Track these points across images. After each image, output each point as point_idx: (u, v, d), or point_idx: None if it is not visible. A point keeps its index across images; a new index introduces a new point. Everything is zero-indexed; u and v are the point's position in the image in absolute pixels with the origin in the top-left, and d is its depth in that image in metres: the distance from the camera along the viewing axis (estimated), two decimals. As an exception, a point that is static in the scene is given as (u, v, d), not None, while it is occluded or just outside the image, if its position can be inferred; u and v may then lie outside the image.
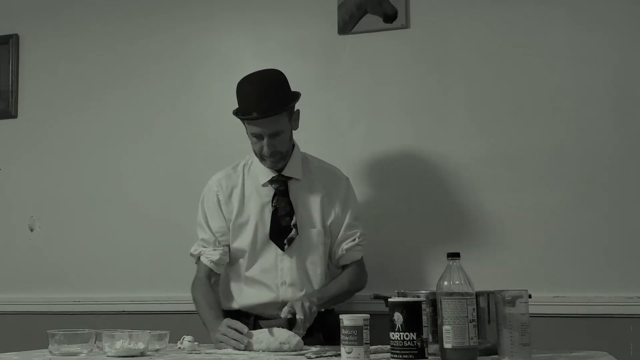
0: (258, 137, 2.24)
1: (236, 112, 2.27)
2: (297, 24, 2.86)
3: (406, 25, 2.72)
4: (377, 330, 1.77)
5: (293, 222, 2.29)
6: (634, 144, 2.47)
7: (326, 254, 2.34)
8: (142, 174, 3.01)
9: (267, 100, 2.19)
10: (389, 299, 1.69)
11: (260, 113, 2.18)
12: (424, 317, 1.67)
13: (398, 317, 1.63)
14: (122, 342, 1.87)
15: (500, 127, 2.60)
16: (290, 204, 2.31)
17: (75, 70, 3.16)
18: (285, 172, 2.33)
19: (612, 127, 2.49)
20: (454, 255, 1.69)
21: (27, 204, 3.16)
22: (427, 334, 1.69)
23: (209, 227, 2.35)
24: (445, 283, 1.67)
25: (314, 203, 2.34)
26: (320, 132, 2.73)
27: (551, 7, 2.58)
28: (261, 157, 2.29)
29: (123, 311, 2.92)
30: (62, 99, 3.17)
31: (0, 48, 3.24)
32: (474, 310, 1.65)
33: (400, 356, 1.62)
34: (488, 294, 1.78)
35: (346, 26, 2.78)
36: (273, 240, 2.29)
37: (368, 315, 1.68)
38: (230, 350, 1.98)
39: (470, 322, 1.63)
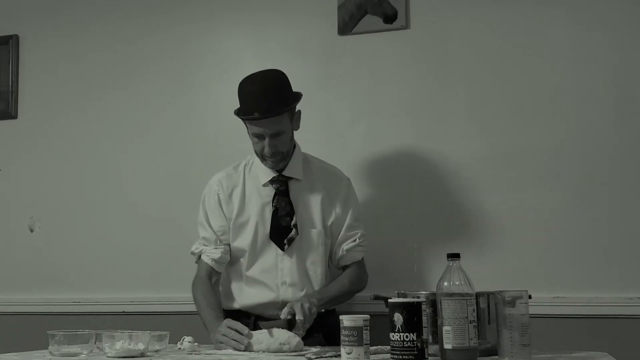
0: (259, 137, 2.24)
1: (237, 112, 2.27)
2: (297, 24, 2.86)
3: (406, 26, 2.72)
4: (377, 330, 1.78)
5: (293, 222, 2.29)
6: (634, 144, 2.47)
7: (326, 255, 2.34)
8: (142, 174, 3.01)
9: (268, 101, 2.19)
10: (389, 300, 1.69)
11: (261, 113, 2.18)
12: (424, 318, 1.67)
13: (398, 318, 1.63)
14: (122, 343, 1.87)
15: (500, 127, 2.60)
16: (290, 204, 2.31)
17: (75, 70, 3.16)
18: (286, 172, 2.33)
19: (612, 127, 2.49)
20: (454, 256, 1.70)
21: (27, 204, 3.16)
22: (427, 334, 1.70)
23: (210, 225, 2.35)
24: (445, 284, 1.67)
25: (315, 203, 2.34)
26: (320, 132, 2.73)
27: (551, 7, 2.58)
28: (262, 157, 2.29)
29: (123, 312, 2.92)
30: (62, 99, 3.17)
31: (0, 48, 3.24)
32: (474, 310, 1.65)
33: (400, 357, 1.62)
34: (488, 294, 1.78)
35: (346, 27, 2.78)
36: (273, 240, 2.29)
37: (368, 315, 1.68)
38: (230, 351, 1.98)
39: (470, 322, 1.63)
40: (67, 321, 2.85)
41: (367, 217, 2.49)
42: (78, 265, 3.04)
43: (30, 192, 3.16)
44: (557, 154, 2.53)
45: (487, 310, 1.78)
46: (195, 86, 2.98)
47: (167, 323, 2.59)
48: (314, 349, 1.97)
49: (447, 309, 1.64)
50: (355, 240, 2.35)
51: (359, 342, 1.65)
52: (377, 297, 2.00)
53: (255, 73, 2.27)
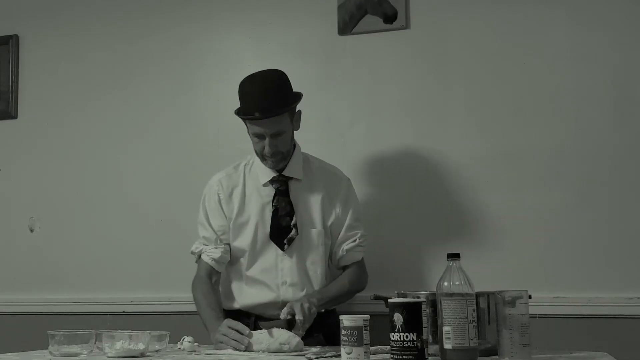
0: (260, 137, 2.24)
1: (238, 112, 2.27)
2: (297, 24, 2.86)
3: (406, 26, 2.72)
4: (377, 330, 1.78)
5: (293, 222, 2.29)
6: (634, 144, 2.46)
7: (326, 255, 2.34)
8: (142, 174, 3.01)
9: (269, 100, 2.19)
10: (389, 300, 1.69)
11: (262, 113, 2.19)
12: (424, 318, 1.67)
13: (398, 318, 1.63)
14: (122, 343, 1.87)
15: (500, 127, 2.60)
16: (290, 204, 2.31)
17: (75, 70, 3.16)
18: (286, 172, 2.33)
19: (612, 127, 2.49)
20: (454, 256, 1.70)
21: (27, 204, 3.16)
22: (427, 334, 1.70)
23: (210, 225, 2.35)
24: (445, 284, 1.67)
25: (315, 203, 2.34)
26: (320, 132, 2.73)
27: (551, 7, 2.58)
28: (262, 157, 2.29)
29: (123, 312, 2.92)
30: (62, 99, 3.17)
31: (0, 48, 3.24)
32: (474, 310, 1.65)
33: (400, 357, 1.62)
34: (488, 294, 1.78)
35: (346, 27, 2.78)
36: (273, 240, 2.29)
37: (368, 315, 1.68)
38: (230, 351, 1.98)
39: (470, 322, 1.63)
40: (67, 321, 2.85)
41: (367, 217, 2.49)
42: (78, 265, 3.04)
43: (30, 192, 3.16)
44: (557, 154, 2.53)
45: (487, 310, 1.78)
46: (195, 86, 2.98)
47: (167, 323, 2.59)
48: (314, 349, 1.97)
49: (447, 309, 1.64)
50: (355, 240, 2.35)
51: (359, 342, 1.65)
52: (377, 297, 2.00)
53: (256, 73, 2.27)
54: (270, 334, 1.96)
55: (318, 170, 2.39)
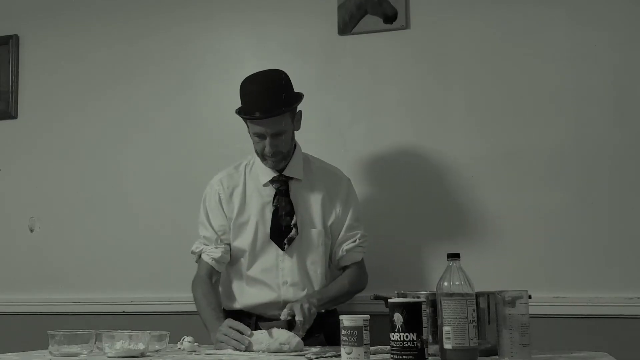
0: (260, 136, 2.25)
1: (239, 112, 2.27)
2: (297, 24, 2.86)
3: (406, 26, 2.72)
4: (377, 330, 1.78)
5: (293, 222, 2.29)
6: (634, 143, 2.47)
7: (326, 255, 2.34)
8: (142, 174, 3.01)
9: (270, 100, 2.20)
10: (389, 300, 1.69)
11: (263, 113, 2.19)
12: (424, 318, 1.67)
13: (398, 318, 1.63)
14: (122, 343, 1.87)
15: (500, 126, 2.60)
16: (290, 203, 2.31)
17: (75, 70, 3.16)
18: (287, 172, 2.33)
19: (612, 126, 2.49)
20: (454, 256, 1.69)
21: (27, 204, 3.16)
22: (427, 334, 1.70)
23: (210, 225, 2.35)
24: (445, 284, 1.67)
25: (315, 203, 2.34)
26: (320, 132, 2.73)
27: (551, 7, 2.58)
28: (263, 157, 2.29)
29: (123, 312, 2.92)
30: (62, 99, 3.17)
31: (0, 48, 3.24)
32: (474, 310, 1.65)
33: (400, 357, 1.62)
34: (488, 294, 1.78)
35: (346, 27, 2.78)
36: (273, 240, 2.29)
37: (368, 315, 1.68)
38: (230, 351, 1.98)
39: (470, 322, 1.63)
40: (67, 321, 2.86)
41: (367, 217, 2.49)
42: (78, 265, 3.04)
43: (30, 192, 3.16)
44: (557, 154, 2.53)
45: (487, 310, 1.78)
46: (195, 86, 2.98)
47: (167, 323, 2.59)
48: (314, 349, 1.97)
49: (447, 309, 1.64)
50: (355, 240, 2.35)
51: (359, 342, 1.65)
52: (377, 297, 2.00)
53: (257, 73, 2.28)
54: (270, 334, 1.96)
55: (318, 171, 2.39)
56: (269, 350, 1.94)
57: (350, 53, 2.78)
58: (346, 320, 1.67)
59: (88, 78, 3.13)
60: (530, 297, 1.70)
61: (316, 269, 2.31)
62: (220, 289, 2.39)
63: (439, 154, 2.65)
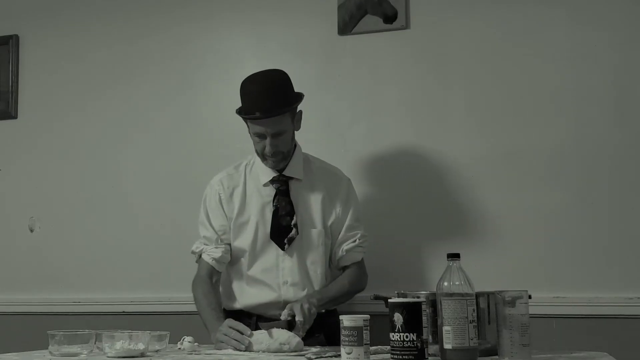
0: (261, 136, 2.25)
1: (239, 111, 2.27)
2: (297, 24, 2.86)
3: (406, 26, 2.72)
4: (377, 330, 1.78)
5: (293, 222, 2.29)
6: (634, 143, 2.47)
7: (327, 255, 2.34)
8: (142, 174, 3.01)
9: (270, 100, 2.20)
10: (389, 300, 1.69)
11: (263, 113, 2.19)
12: (424, 318, 1.67)
13: (398, 318, 1.63)
14: (122, 343, 1.87)
15: (501, 126, 2.60)
16: (291, 203, 2.31)
17: (75, 70, 3.16)
18: (287, 172, 2.33)
19: (612, 126, 2.49)
20: (454, 256, 1.69)
21: (27, 204, 3.16)
22: (427, 334, 1.70)
23: (211, 224, 2.35)
24: (445, 284, 1.67)
25: (315, 203, 2.34)
26: (320, 132, 2.73)
27: (551, 7, 2.58)
28: (263, 157, 2.29)
29: (123, 312, 2.92)
30: (62, 99, 3.17)
31: (0, 48, 3.24)
32: (474, 310, 1.65)
33: (400, 357, 1.62)
34: (488, 294, 1.78)
35: (346, 27, 2.78)
36: (273, 240, 2.29)
37: (368, 315, 1.68)
38: (230, 351, 1.98)
39: (470, 322, 1.63)
40: (67, 321, 2.86)
41: (367, 217, 2.49)
42: (78, 265, 3.04)
43: (30, 192, 3.16)
44: (557, 154, 2.53)
45: (487, 310, 1.78)
46: (195, 86, 2.98)
47: (167, 323, 2.59)
48: (314, 349, 1.97)
49: (447, 309, 1.64)
50: (355, 240, 2.35)
51: (359, 342, 1.65)
52: (377, 297, 2.00)
53: (258, 73, 2.28)
54: (270, 334, 1.96)
55: (318, 171, 2.39)
56: (269, 350, 1.94)
57: (350, 53, 2.78)
58: (346, 320, 1.67)
59: (88, 78, 3.13)
60: (530, 297, 1.70)
61: (316, 269, 2.31)
62: (220, 289, 2.39)
63: (439, 154, 2.65)
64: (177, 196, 2.92)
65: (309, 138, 2.49)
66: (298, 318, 2.02)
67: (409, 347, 1.62)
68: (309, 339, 2.07)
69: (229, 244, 2.35)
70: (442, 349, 1.65)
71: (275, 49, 2.86)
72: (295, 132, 2.34)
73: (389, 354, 1.68)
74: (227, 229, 2.34)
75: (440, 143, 2.65)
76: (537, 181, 2.54)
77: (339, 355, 1.71)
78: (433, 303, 1.74)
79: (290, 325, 2.05)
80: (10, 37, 3.24)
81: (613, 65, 2.50)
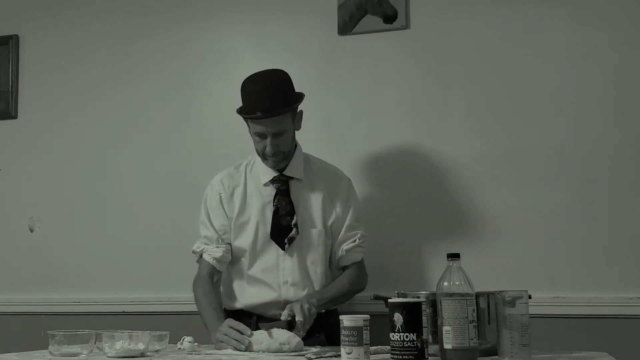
0: (261, 136, 2.25)
1: (240, 111, 2.28)
2: (297, 24, 2.86)
3: (406, 26, 2.72)
4: (377, 330, 1.78)
5: (294, 221, 2.29)
6: (634, 143, 2.47)
7: (327, 254, 2.34)
8: (142, 174, 3.01)
9: (271, 100, 2.20)
10: (389, 300, 1.69)
11: (264, 113, 2.19)
12: (424, 318, 1.67)
13: (398, 318, 1.63)
14: (122, 343, 1.87)
15: (501, 126, 2.60)
16: (291, 203, 2.31)
17: (75, 70, 3.16)
18: (287, 172, 2.33)
19: (612, 126, 2.49)
20: (454, 256, 1.69)
21: (27, 204, 3.16)
22: (427, 334, 1.70)
23: (211, 224, 2.35)
24: (445, 284, 1.67)
25: (315, 203, 2.34)
26: (320, 132, 2.73)
27: (551, 7, 2.58)
28: (264, 157, 2.29)
29: (123, 312, 2.92)
30: (62, 99, 3.17)
31: (0, 48, 3.24)
32: (474, 310, 1.65)
33: (400, 357, 1.62)
34: (488, 294, 1.78)
35: (346, 27, 2.78)
36: (274, 240, 2.30)
37: (368, 315, 1.68)
38: (230, 351, 1.98)
39: (470, 322, 1.63)
40: (67, 321, 2.86)
41: (368, 217, 2.49)
42: (78, 265, 3.04)
43: (30, 192, 3.16)
44: (557, 154, 2.53)
45: (487, 310, 1.78)
46: (195, 86, 2.98)
47: (167, 323, 2.59)
48: (314, 349, 1.97)
49: (447, 309, 1.64)
50: (355, 240, 2.35)
51: (359, 342, 1.65)
52: (377, 297, 2.00)
53: (258, 72, 2.28)
54: (270, 334, 1.96)
55: (319, 170, 2.39)
56: (269, 350, 1.94)
57: (350, 53, 2.78)
58: (346, 320, 1.67)
59: (88, 78, 3.13)
60: (530, 297, 1.70)
61: (316, 269, 2.31)
62: (221, 288, 2.39)
63: (439, 154, 2.65)
64: (177, 196, 2.92)
65: (309, 138, 2.49)
66: (298, 318, 2.02)
67: (409, 347, 1.62)
68: (309, 339, 2.08)
69: (230, 244, 2.35)
70: (442, 349, 1.65)
71: (275, 49, 2.86)
72: (295, 132, 2.34)
73: (389, 354, 1.68)
74: (228, 229, 2.34)
75: (440, 143, 2.65)
76: (537, 181, 2.54)
77: (339, 355, 1.71)
78: (433, 303, 1.74)
79: (290, 325, 2.05)
80: (10, 37, 3.24)
81: (613, 65, 2.50)
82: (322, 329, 2.21)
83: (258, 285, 2.31)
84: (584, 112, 2.52)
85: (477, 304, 1.70)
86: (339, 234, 2.35)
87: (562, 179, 2.52)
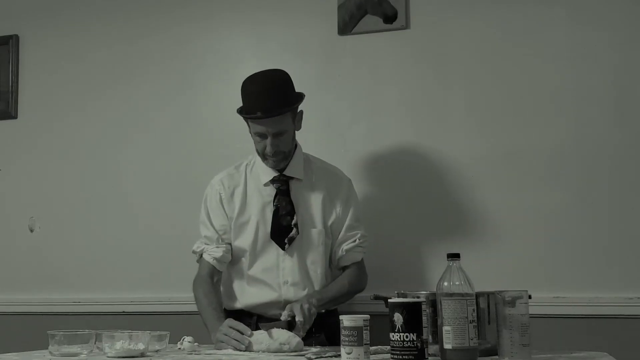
0: (261, 136, 2.25)
1: (240, 111, 2.28)
2: (297, 24, 2.86)
3: (406, 26, 2.72)
4: (377, 330, 1.78)
5: (294, 221, 2.29)
6: (634, 143, 2.47)
7: (327, 254, 2.35)
8: (142, 174, 3.01)
9: (271, 100, 2.20)
10: (389, 300, 1.69)
11: (264, 112, 2.19)
12: (424, 318, 1.67)
13: (398, 318, 1.63)
14: (122, 343, 1.87)
15: (501, 126, 2.60)
16: (291, 203, 2.31)
17: (75, 70, 3.16)
18: (287, 172, 2.33)
19: (612, 126, 2.49)
20: (454, 256, 1.69)
21: (27, 204, 3.16)
22: (427, 334, 1.70)
23: (211, 224, 2.35)
24: (445, 284, 1.67)
25: (315, 203, 2.34)
26: (320, 132, 2.73)
27: (551, 7, 2.58)
28: (264, 157, 2.29)
29: (123, 312, 2.92)
30: (62, 99, 3.17)
31: (0, 48, 3.24)
32: (474, 310, 1.65)
33: (400, 357, 1.62)
34: (488, 294, 1.78)
35: (346, 27, 2.78)
36: (274, 240, 2.30)
37: (368, 315, 1.68)
38: (230, 351, 1.98)
39: (470, 322, 1.63)
40: (67, 321, 2.86)
41: (368, 217, 2.49)
42: (78, 265, 3.04)
43: (30, 192, 3.16)
44: (557, 154, 2.53)
45: (487, 310, 1.78)
46: (195, 86, 2.98)
47: (167, 323, 2.59)
48: (314, 349, 1.97)
49: (447, 309, 1.64)
50: (355, 240, 2.35)
51: (359, 342, 1.65)
52: (377, 297, 2.00)
53: (259, 72, 2.28)
54: (270, 334, 1.96)
55: (319, 170, 2.39)
56: (269, 351, 1.94)
57: (350, 53, 2.78)
58: (346, 320, 1.67)
59: (88, 78, 3.13)
60: (530, 297, 1.70)
61: (316, 269, 2.31)
62: (221, 288, 2.39)
63: (439, 154, 2.65)
64: (177, 196, 2.92)
65: (309, 138, 2.49)
66: (298, 318, 2.02)
67: (409, 347, 1.62)
68: (309, 339, 2.08)
69: (230, 244, 2.35)
70: (442, 349, 1.65)
71: (275, 49, 2.86)
72: (295, 132, 2.34)
73: (389, 354, 1.68)
74: (228, 229, 2.34)
75: (440, 143, 2.65)
76: (537, 181, 2.54)
77: (339, 355, 1.71)
78: (433, 303, 1.74)
79: (290, 325, 2.05)
80: (10, 37, 3.24)
81: (613, 65, 2.50)
82: (321, 329, 2.21)
83: (258, 285, 2.31)
84: (584, 112, 2.52)
85: (477, 304, 1.70)
86: (339, 234, 2.35)
87: (562, 179, 2.52)
